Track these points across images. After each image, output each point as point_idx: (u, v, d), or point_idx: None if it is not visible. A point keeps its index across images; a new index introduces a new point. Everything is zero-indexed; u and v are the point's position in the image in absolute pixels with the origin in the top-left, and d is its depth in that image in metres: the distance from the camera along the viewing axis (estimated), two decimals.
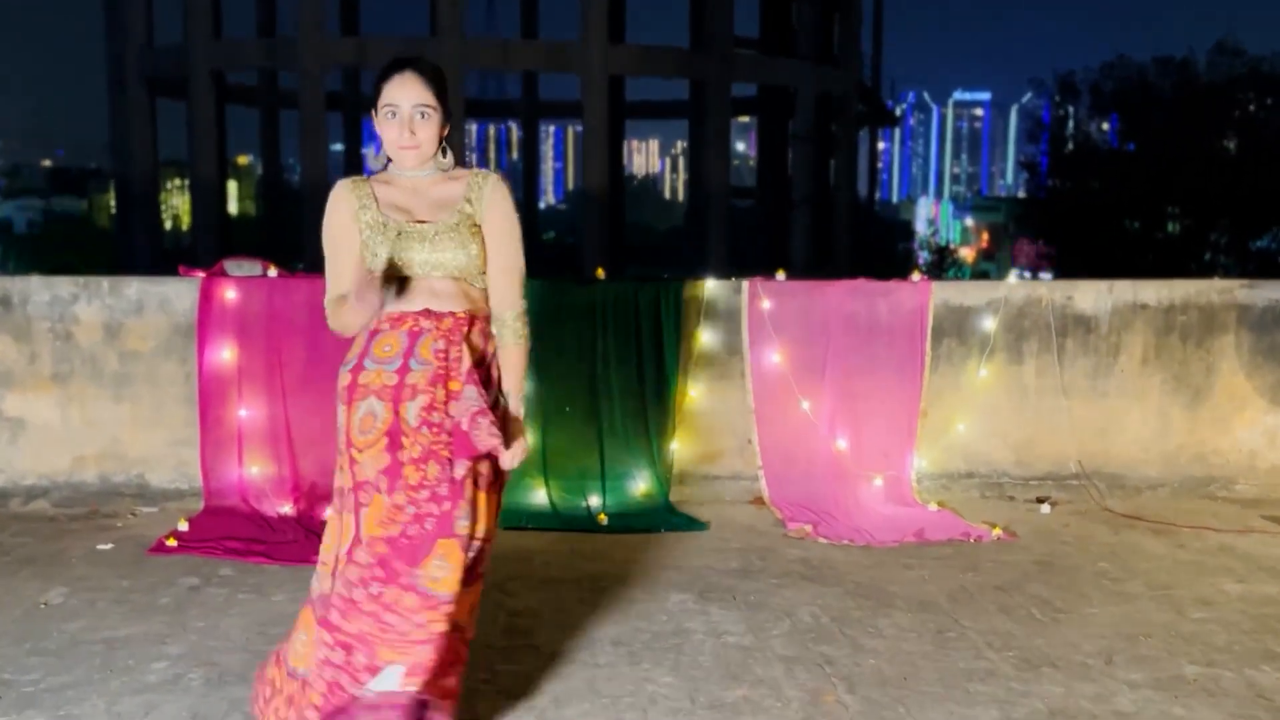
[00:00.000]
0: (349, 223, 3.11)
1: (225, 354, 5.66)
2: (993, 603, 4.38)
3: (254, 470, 5.65)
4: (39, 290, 5.67)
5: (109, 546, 5.02)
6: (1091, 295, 5.96)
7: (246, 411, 5.66)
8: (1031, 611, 4.29)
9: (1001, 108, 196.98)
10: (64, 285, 5.70)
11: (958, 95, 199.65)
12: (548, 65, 27.30)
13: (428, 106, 3.06)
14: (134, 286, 5.73)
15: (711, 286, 5.89)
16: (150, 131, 28.66)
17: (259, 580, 4.61)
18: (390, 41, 27.13)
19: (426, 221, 3.08)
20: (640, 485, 5.76)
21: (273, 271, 5.80)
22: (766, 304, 5.82)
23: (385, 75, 3.07)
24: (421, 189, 3.14)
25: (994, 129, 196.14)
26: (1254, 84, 32.44)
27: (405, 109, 3.05)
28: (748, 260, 30.05)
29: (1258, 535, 5.30)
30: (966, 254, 69.86)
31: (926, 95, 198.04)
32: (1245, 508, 5.77)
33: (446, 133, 3.15)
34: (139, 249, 27.79)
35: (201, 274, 5.75)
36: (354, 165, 36.30)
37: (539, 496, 5.67)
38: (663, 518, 5.53)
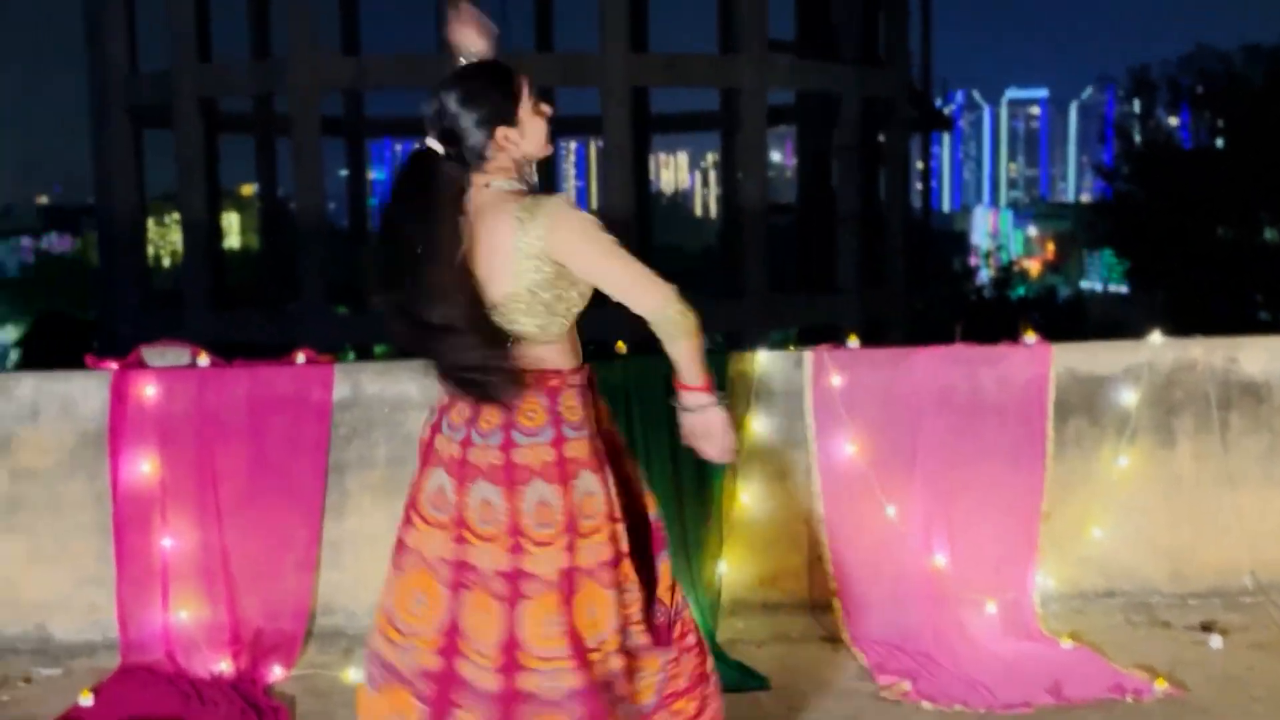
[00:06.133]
0: None
1: (145, 467, 4.70)
2: None
3: (183, 615, 4.68)
4: None
5: None
6: (1261, 356, 4.91)
7: (172, 540, 4.70)
8: None
9: (1060, 105, 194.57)
10: None
11: (1011, 94, 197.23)
12: (565, 79, 26.42)
13: None
14: (27, 385, 4.80)
15: (765, 360, 4.88)
16: (135, 165, 27.98)
17: None
18: (392, 61, 26.37)
19: None
20: None
21: (203, 360, 4.84)
22: (837, 380, 4.81)
23: (515, 75, 2.96)
24: None
25: (1053, 128, 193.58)
26: None
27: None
28: (789, 284, 29.03)
29: None
30: (1031, 266, 68.35)
31: (977, 95, 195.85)
32: None
33: None
34: (124, 291, 27.04)
35: (114, 366, 4.80)
36: (359, 194, 35.58)
37: None
38: None
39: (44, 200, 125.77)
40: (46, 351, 35.68)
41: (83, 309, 49.09)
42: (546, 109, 3.01)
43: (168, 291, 33.46)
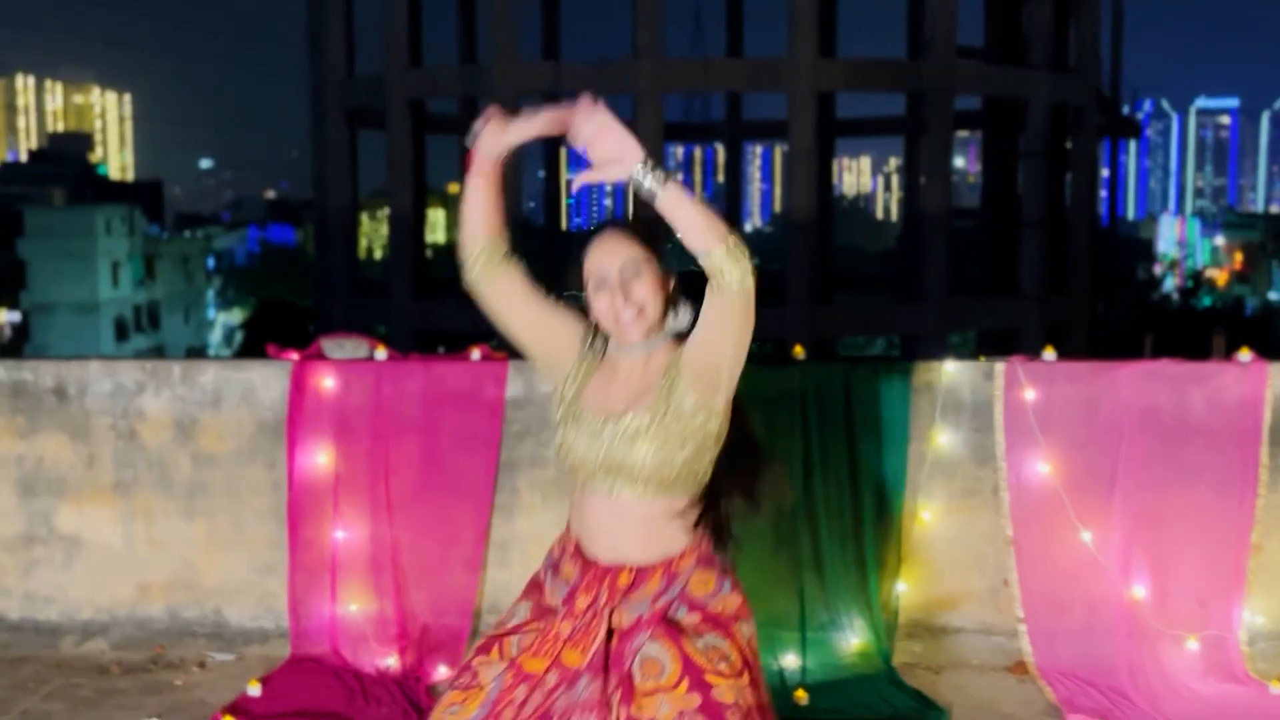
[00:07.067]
0: (570, 331, 2.66)
1: (320, 457, 4.52)
2: None
3: (352, 608, 4.49)
4: (99, 378, 4.66)
5: None
6: None
7: (344, 532, 4.51)
8: None
9: (1250, 115, 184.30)
10: (128, 372, 4.67)
11: (1201, 103, 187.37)
12: (751, 84, 26.01)
13: (639, 259, 2.53)
14: (210, 373, 4.66)
15: (952, 370, 4.43)
16: (349, 163, 28.64)
17: None
18: (588, 67, 26.35)
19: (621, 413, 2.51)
20: (853, 640, 4.34)
21: (381, 353, 4.63)
22: (1030, 394, 4.33)
23: (586, 244, 2.58)
24: (636, 369, 2.57)
25: (1242, 138, 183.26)
26: None
27: (614, 273, 2.52)
28: (969, 287, 27.99)
29: None
30: (1218, 276, 64.80)
31: (1165, 104, 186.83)
32: None
33: (673, 288, 2.57)
34: (337, 280, 27.74)
35: (294, 356, 4.63)
36: (554, 193, 35.82)
37: None
38: (884, 694, 4.10)
39: (270, 195, 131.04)
40: (266, 334, 36.94)
41: (301, 296, 50.77)
42: (600, 289, 2.54)
43: (376, 281, 34.26)
